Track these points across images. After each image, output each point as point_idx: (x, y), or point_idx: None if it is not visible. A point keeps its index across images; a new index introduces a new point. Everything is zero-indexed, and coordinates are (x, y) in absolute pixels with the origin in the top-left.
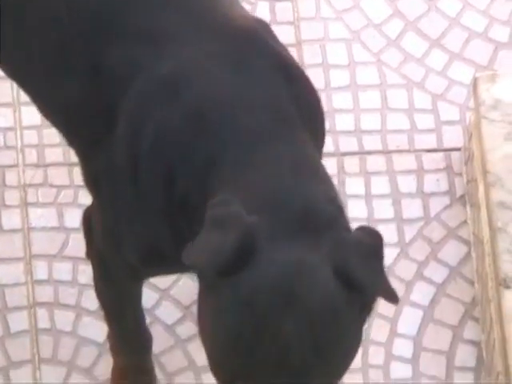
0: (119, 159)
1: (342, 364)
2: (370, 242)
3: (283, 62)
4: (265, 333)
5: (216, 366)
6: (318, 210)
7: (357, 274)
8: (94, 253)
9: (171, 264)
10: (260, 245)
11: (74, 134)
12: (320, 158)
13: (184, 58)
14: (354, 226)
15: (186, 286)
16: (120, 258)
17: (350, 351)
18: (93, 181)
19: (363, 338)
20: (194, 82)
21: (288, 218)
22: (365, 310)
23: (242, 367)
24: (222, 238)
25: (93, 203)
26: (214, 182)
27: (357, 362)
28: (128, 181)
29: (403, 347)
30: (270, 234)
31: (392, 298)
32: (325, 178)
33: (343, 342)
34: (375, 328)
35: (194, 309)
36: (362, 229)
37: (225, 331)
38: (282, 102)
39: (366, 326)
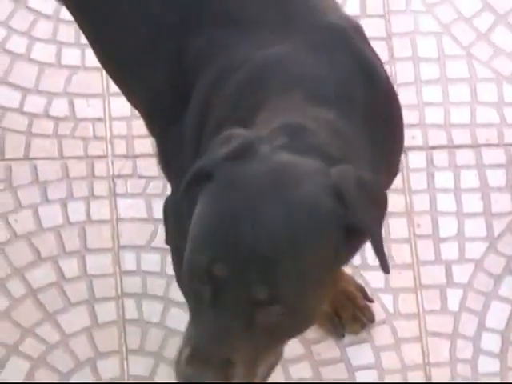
0: (188, 133)
1: (311, 269)
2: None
3: (367, 65)
4: (244, 217)
5: (197, 251)
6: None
7: (352, 198)
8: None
9: None
10: (260, 148)
11: (156, 114)
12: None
13: (265, 45)
14: (442, 220)
15: None
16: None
17: (320, 261)
18: (166, 163)
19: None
20: (271, 66)
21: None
22: (350, 238)
23: (221, 249)
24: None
25: (172, 189)
26: None
27: (445, 355)
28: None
29: (491, 341)
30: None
31: (383, 262)
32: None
33: (316, 246)
34: (463, 322)
35: None
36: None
37: (209, 214)
38: (353, 97)
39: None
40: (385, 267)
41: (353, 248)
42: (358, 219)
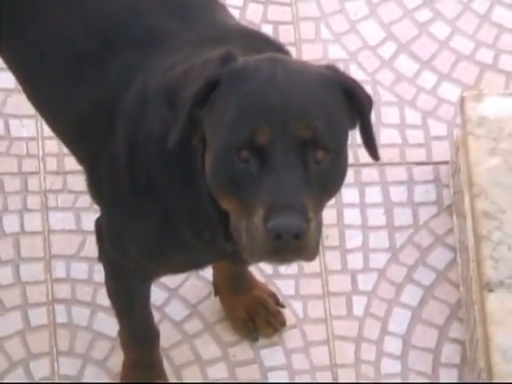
0: (118, 161)
1: (337, 121)
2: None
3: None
4: (270, 90)
5: (232, 133)
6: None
7: (351, 82)
8: (104, 257)
9: (174, 264)
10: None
11: (81, 142)
12: None
13: (169, 59)
14: (348, 233)
15: (193, 286)
16: (127, 259)
17: (339, 117)
18: (97, 189)
19: None
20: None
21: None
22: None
23: (259, 119)
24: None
25: (101, 213)
26: None
27: (350, 357)
28: (127, 181)
29: (393, 345)
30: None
31: (373, 149)
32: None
33: (333, 101)
34: (367, 326)
35: (201, 307)
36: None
37: (236, 99)
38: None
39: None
40: (375, 154)
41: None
42: (357, 92)
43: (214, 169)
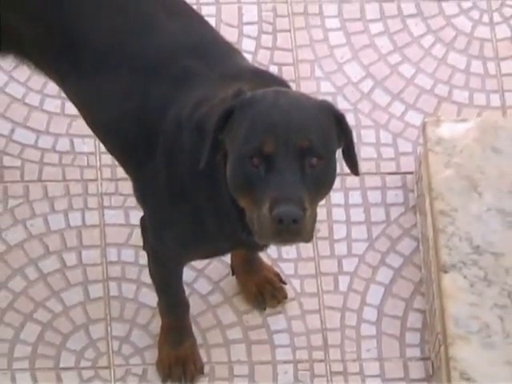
0: (158, 173)
1: (328, 136)
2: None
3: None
4: (274, 112)
5: (247, 145)
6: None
7: (339, 112)
8: (147, 246)
9: (202, 251)
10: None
11: (128, 157)
12: None
13: (200, 95)
14: (335, 226)
15: (215, 267)
16: (165, 248)
17: (329, 134)
18: (141, 194)
19: None
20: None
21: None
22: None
23: (266, 134)
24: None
25: (144, 213)
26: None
27: (337, 323)
28: (165, 188)
29: (370, 313)
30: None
31: (354, 164)
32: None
33: (323, 121)
34: (350, 299)
35: (222, 283)
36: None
37: (248, 120)
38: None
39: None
40: (356, 170)
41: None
42: (344, 121)
43: (232, 174)
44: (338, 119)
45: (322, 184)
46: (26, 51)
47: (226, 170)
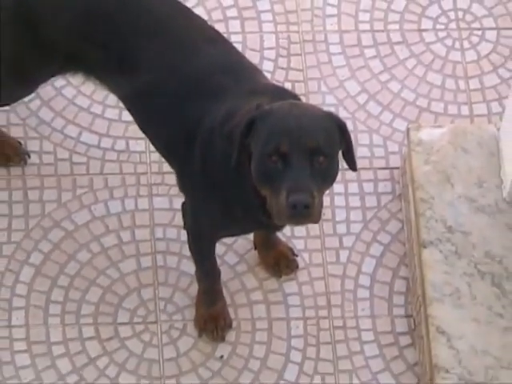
0: (196, 168)
1: (331, 139)
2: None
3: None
4: (289, 119)
5: (267, 146)
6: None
7: (341, 120)
8: (187, 226)
9: (230, 231)
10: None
11: (172, 155)
12: None
13: (231, 106)
14: (337, 211)
15: (241, 243)
16: (202, 228)
17: (334, 138)
18: (182, 185)
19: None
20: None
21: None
22: (341, 141)
23: (281, 136)
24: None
25: (185, 199)
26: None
27: (338, 287)
28: (201, 180)
29: (364, 280)
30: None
31: (354, 161)
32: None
33: (329, 128)
34: (349, 268)
35: (246, 256)
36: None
37: (267, 126)
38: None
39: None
40: (354, 166)
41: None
42: (345, 128)
43: (256, 169)
44: (340, 126)
45: (327, 177)
46: (92, 70)
47: (251, 166)
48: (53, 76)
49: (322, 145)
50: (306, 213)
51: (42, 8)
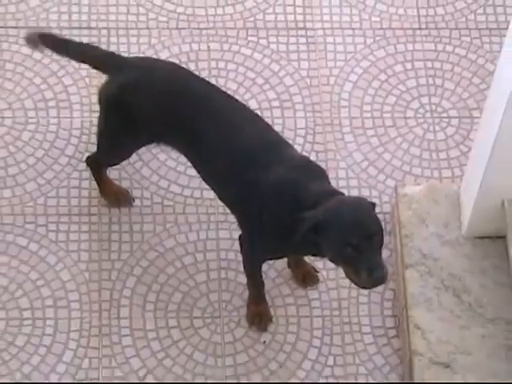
0: (254, 217)
1: (381, 231)
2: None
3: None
4: (356, 219)
5: (343, 240)
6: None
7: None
8: (243, 253)
9: (278, 255)
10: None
11: (233, 207)
12: None
13: (279, 174)
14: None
15: (279, 263)
16: (254, 255)
17: (382, 231)
18: (243, 226)
19: None
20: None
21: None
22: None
23: (353, 233)
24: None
25: (242, 233)
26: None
27: (345, 296)
28: (260, 226)
29: (364, 290)
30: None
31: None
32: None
33: (380, 225)
34: None
35: (282, 272)
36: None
37: (337, 225)
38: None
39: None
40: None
41: None
42: (374, 206)
43: (335, 258)
44: (374, 207)
45: (382, 247)
46: (170, 143)
47: (327, 248)
48: (143, 146)
49: (377, 229)
50: (384, 280)
51: (133, 98)
